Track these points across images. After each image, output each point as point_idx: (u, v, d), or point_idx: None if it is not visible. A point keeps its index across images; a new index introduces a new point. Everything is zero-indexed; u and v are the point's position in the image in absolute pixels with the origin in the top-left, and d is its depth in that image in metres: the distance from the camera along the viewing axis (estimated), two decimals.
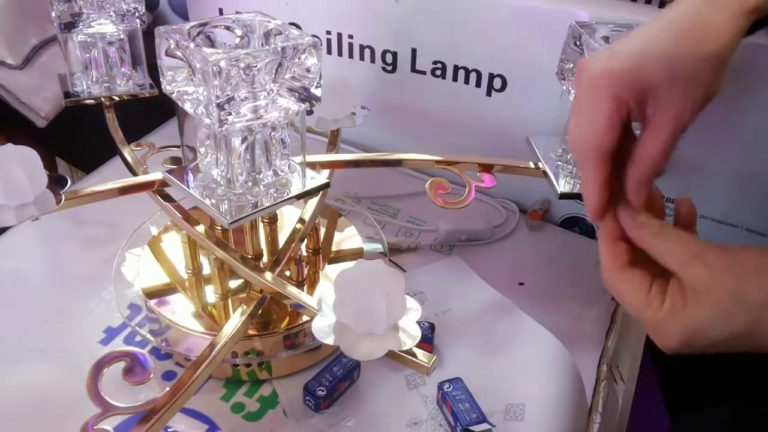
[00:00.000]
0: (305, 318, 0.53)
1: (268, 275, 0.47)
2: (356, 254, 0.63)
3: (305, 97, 0.47)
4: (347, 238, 0.64)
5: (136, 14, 0.67)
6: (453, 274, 0.65)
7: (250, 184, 0.49)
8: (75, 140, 0.92)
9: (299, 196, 0.50)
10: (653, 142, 0.38)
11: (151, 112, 0.85)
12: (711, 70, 0.37)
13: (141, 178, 0.55)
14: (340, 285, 0.40)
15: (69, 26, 0.65)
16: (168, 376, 0.53)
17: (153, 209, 0.62)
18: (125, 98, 0.70)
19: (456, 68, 0.70)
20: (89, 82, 0.70)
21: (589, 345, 0.59)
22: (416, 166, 0.61)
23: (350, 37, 0.75)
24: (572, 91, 0.56)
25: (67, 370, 0.53)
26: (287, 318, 0.54)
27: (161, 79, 0.46)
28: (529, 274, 0.67)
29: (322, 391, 0.50)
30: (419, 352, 0.41)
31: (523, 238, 0.72)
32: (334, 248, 0.63)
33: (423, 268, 0.66)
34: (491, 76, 0.69)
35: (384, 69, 0.74)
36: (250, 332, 0.53)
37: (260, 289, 0.48)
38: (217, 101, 0.42)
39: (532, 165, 0.60)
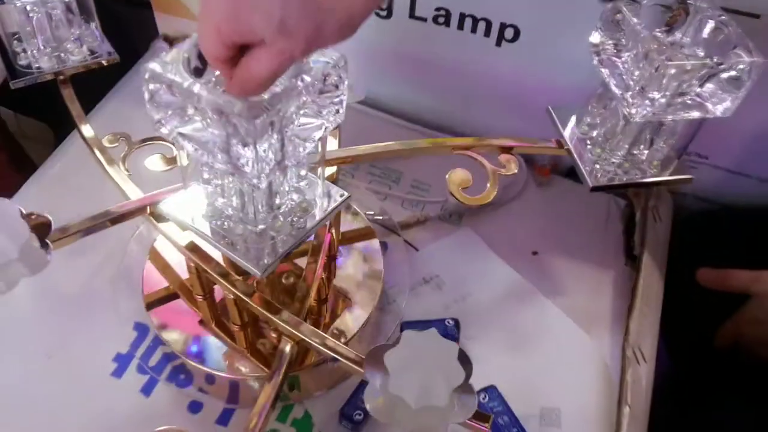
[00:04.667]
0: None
1: (307, 328, 0.44)
2: (367, 234, 0.60)
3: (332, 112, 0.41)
4: (356, 222, 0.61)
5: None
6: (467, 251, 0.63)
7: (270, 219, 0.44)
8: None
9: (323, 220, 0.46)
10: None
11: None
12: None
13: (131, 204, 0.49)
14: (393, 364, 0.37)
15: None
16: (193, 407, 0.51)
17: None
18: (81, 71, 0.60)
19: (462, 16, 0.62)
20: (34, 52, 0.60)
21: (609, 319, 0.59)
22: (433, 152, 0.56)
23: None
24: (603, 70, 0.50)
25: (86, 415, 0.50)
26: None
27: (151, 114, 0.39)
28: (541, 239, 0.65)
29: (359, 415, 0.50)
30: (474, 420, 0.40)
31: (532, 197, 0.69)
32: (344, 232, 0.60)
33: (435, 245, 0.63)
34: (502, 26, 0.62)
35: (377, 14, 0.65)
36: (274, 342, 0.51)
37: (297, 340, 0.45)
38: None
39: (554, 144, 0.56)
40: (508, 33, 0.62)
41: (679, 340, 0.70)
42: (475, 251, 0.63)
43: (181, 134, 0.39)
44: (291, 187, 0.46)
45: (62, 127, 0.86)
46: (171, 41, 0.78)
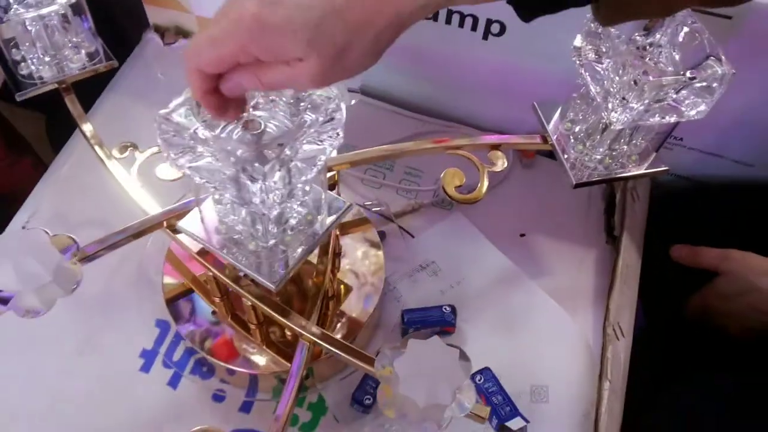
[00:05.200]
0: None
1: (321, 332, 0.48)
2: (366, 224, 0.64)
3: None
4: (354, 216, 0.64)
5: None
6: (459, 237, 0.67)
7: (279, 233, 0.48)
8: None
9: (329, 229, 0.50)
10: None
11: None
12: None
13: (148, 220, 0.52)
14: (402, 370, 0.42)
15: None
16: (217, 397, 0.56)
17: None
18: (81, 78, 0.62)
19: (450, 12, 0.64)
20: (34, 60, 0.61)
21: (591, 297, 0.65)
22: (427, 153, 0.59)
23: None
24: (584, 73, 0.53)
25: (121, 408, 0.55)
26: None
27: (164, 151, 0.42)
28: (528, 220, 0.69)
29: (369, 399, 0.55)
30: (474, 409, 0.45)
31: (518, 180, 0.73)
32: (344, 223, 0.64)
33: (430, 231, 0.67)
34: (489, 21, 0.64)
35: None
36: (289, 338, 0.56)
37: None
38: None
39: (539, 140, 0.59)
40: (495, 28, 0.64)
41: (654, 311, 0.76)
42: (467, 236, 0.67)
43: (192, 168, 0.42)
44: (298, 203, 0.49)
45: (54, 114, 0.88)
46: (162, 32, 0.79)
